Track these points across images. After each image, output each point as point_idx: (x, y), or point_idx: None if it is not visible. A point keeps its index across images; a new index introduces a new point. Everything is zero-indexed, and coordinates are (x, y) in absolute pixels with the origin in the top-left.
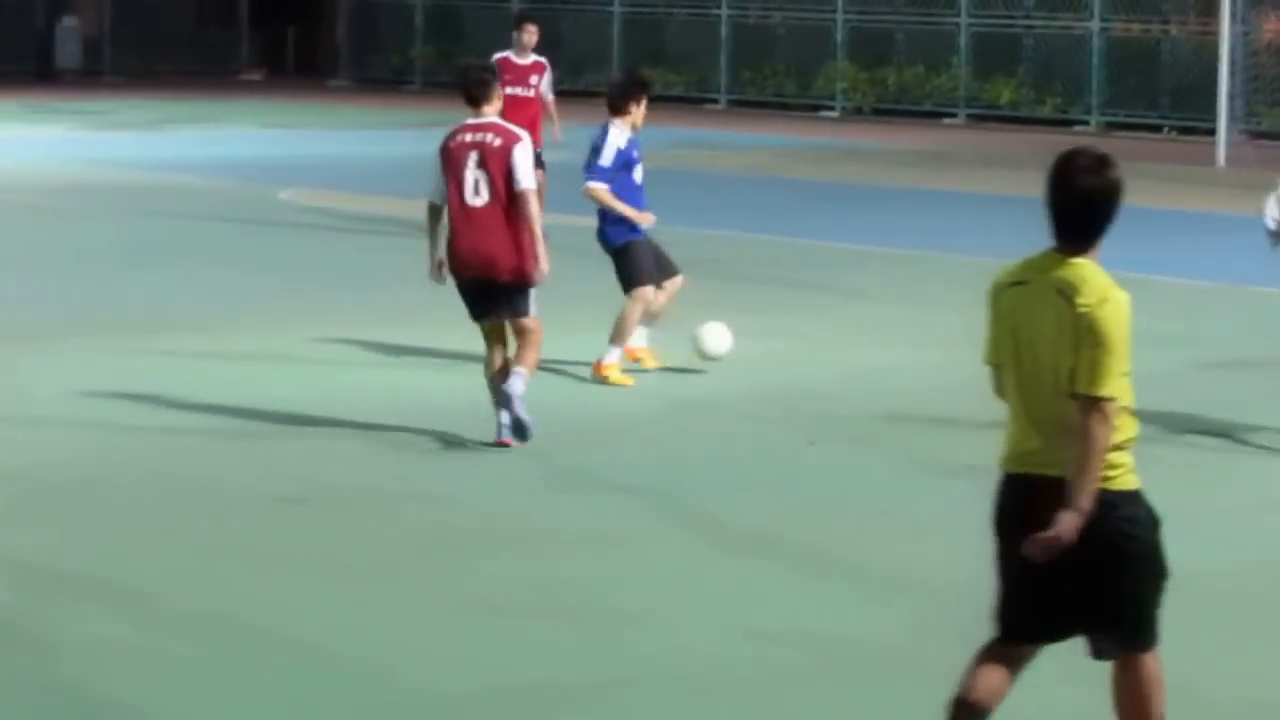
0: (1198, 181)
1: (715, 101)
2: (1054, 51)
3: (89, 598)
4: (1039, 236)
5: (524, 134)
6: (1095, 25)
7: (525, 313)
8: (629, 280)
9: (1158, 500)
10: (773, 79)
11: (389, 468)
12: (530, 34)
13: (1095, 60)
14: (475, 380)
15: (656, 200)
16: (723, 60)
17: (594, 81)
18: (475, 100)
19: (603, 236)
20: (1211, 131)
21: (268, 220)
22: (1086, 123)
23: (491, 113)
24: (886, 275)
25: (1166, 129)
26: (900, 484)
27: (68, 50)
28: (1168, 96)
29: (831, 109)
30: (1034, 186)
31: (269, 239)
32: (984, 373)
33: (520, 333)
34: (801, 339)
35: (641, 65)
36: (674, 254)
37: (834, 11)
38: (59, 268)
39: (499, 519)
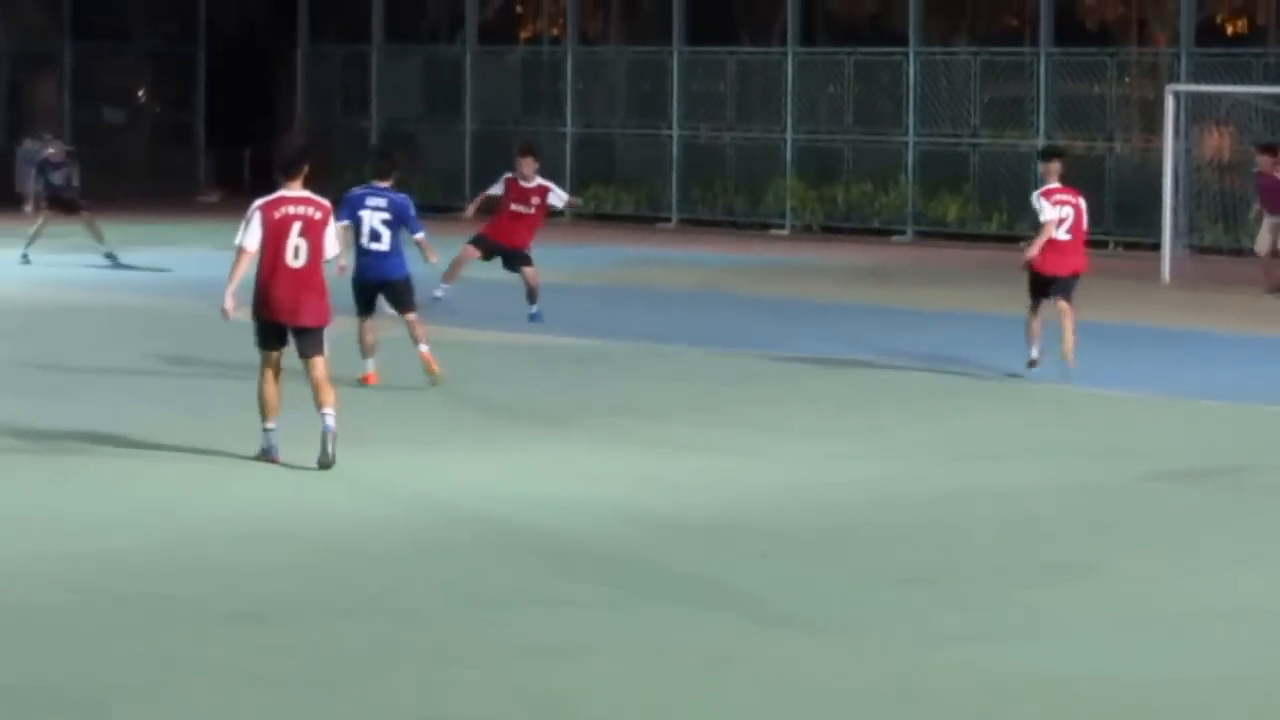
0: (1142, 296)
1: (666, 220)
2: (999, 169)
3: (44, 713)
4: (980, 349)
5: (331, 207)
6: (1040, 143)
7: (323, 350)
8: (409, 303)
9: (1108, 609)
10: (723, 197)
11: (338, 581)
12: (526, 165)
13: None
14: (424, 496)
15: (605, 315)
16: (673, 179)
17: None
18: (292, 175)
19: (387, 269)
20: (1156, 246)
21: (224, 339)
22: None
23: (300, 186)
24: (831, 388)
25: (1111, 244)
26: (850, 595)
27: (28, 173)
28: (1112, 212)
29: (781, 226)
30: (977, 302)
31: (225, 357)
32: (930, 482)
33: (317, 368)
34: (747, 452)
35: (593, 183)
36: (619, 367)
37: (783, 130)
38: (13, 387)
39: (448, 631)
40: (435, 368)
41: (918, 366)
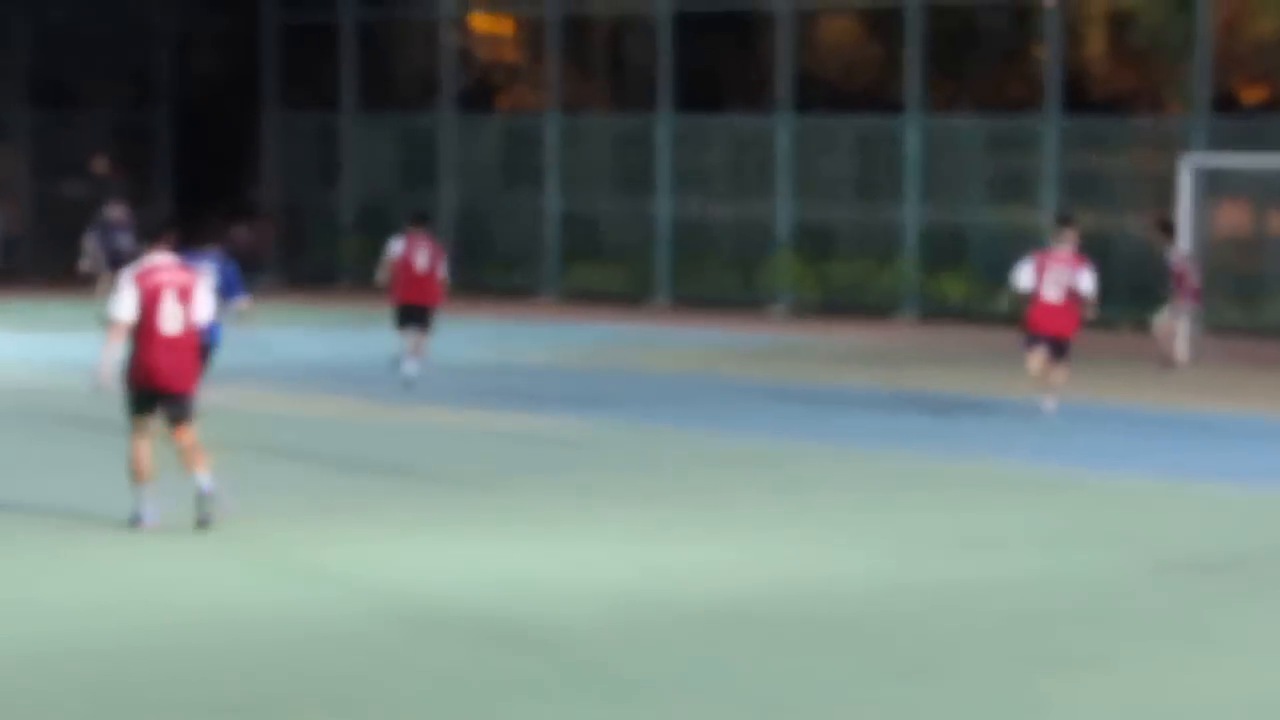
0: (1155, 377)
1: (656, 298)
2: (1005, 245)
3: None
4: (985, 434)
5: (199, 274)
6: (1049, 217)
7: (192, 418)
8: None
9: (1119, 703)
10: (714, 274)
11: (321, 674)
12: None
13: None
14: (403, 586)
15: (593, 399)
16: (663, 255)
17: (526, 280)
18: (160, 242)
19: (214, 334)
20: None
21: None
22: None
23: (169, 252)
24: (829, 475)
25: (1123, 324)
26: (852, 689)
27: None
28: (1124, 290)
29: (776, 305)
30: (982, 386)
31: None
32: (932, 573)
33: (187, 435)
34: (741, 540)
35: (579, 261)
36: (607, 452)
37: (777, 203)
38: None
39: None
40: None
41: (920, 452)
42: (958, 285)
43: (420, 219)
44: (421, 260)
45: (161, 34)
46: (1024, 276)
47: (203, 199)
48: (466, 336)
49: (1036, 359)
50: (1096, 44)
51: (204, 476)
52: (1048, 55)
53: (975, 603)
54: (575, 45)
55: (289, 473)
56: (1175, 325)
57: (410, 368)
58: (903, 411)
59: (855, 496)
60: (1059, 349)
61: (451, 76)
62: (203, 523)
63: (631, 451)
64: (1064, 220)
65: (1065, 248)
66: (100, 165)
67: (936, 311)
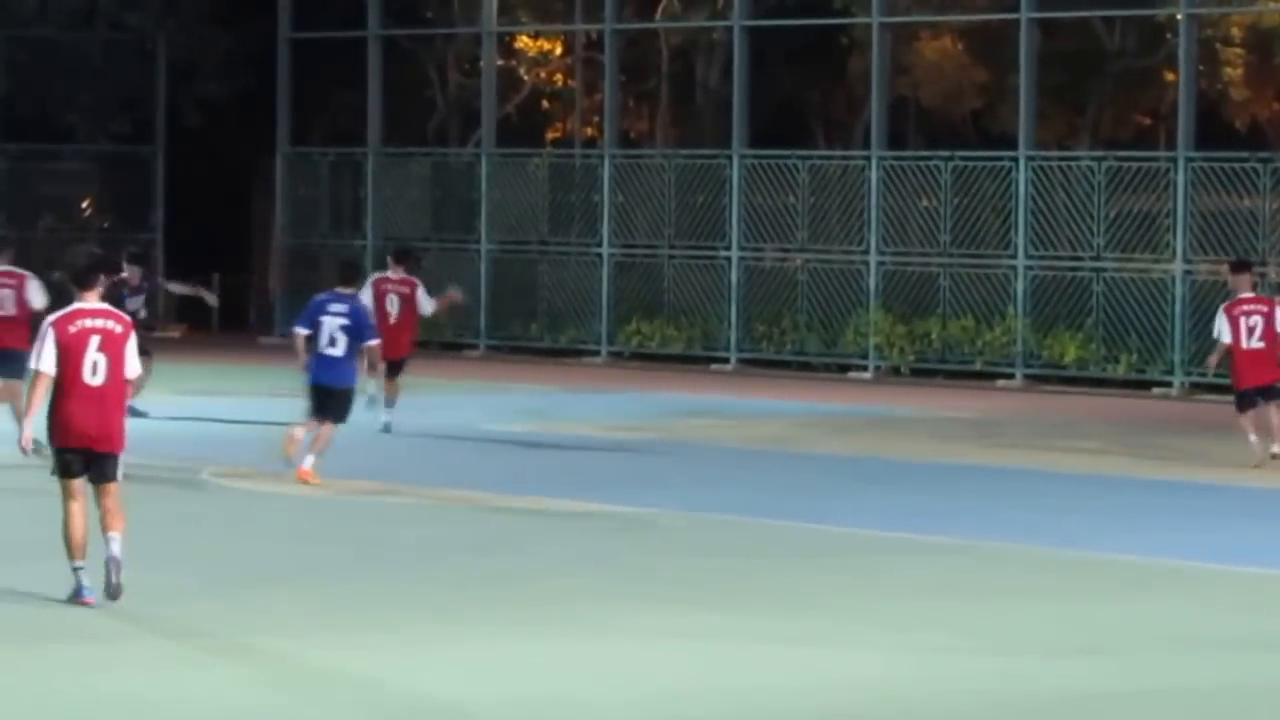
0: None
1: (723, 361)
2: (1129, 299)
3: None
4: (1106, 519)
5: (132, 322)
6: (1178, 268)
7: (119, 475)
8: (342, 416)
9: None
10: (792, 333)
11: None
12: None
13: (1178, 309)
14: (426, 697)
15: (650, 477)
16: (732, 311)
17: (574, 339)
18: (86, 286)
19: (339, 375)
20: None
21: (188, 504)
22: (1169, 384)
23: (96, 298)
24: (925, 567)
25: None
26: None
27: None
28: None
29: (863, 369)
30: (1102, 462)
31: (189, 526)
32: (1045, 682)
33: (111, 495)
34: (826, 644)
35: (636, 317)
36: (666, 541)
37: (866, 252)
38: None
39: None
40: (313, 480)
41: (1031, 540)
42: (1073, 345)
43: (401, 256)
44: (393, 308)
45: (157, 55)
46: (1222, 329)
47: (199, 246)
48: (503, 405)
49: (1252, 425)
50: (1234, 67)
51: (116, 540)
52: (1178, 79)
53: (1094, 718)
54: (634, 69)
55: (292, 564)
56: None
57: (386, 417)
58: (1012, 494)
59: (951, 593)
60: (1272, 394)
61: (492, 104)
62: (112, 595)
63: (692, 543)
64: (1240, 265)
65: (1247, 291)
66: (87, 206)
67: (1048, 375)
